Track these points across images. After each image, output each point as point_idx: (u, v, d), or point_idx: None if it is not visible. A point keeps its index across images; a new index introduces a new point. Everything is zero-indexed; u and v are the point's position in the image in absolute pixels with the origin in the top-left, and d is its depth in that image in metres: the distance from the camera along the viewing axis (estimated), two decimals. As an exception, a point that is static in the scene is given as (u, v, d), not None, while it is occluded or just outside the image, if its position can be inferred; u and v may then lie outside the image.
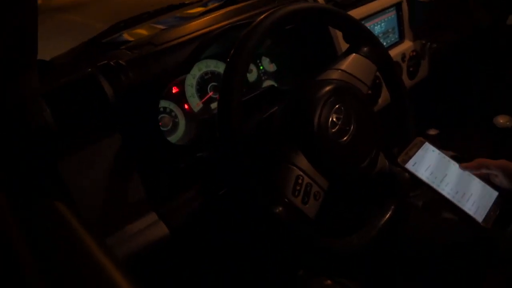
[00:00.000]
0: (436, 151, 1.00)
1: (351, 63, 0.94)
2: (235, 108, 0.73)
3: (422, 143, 0.99)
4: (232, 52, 0.77)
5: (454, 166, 0.98)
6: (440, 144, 1.44)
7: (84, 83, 0.84)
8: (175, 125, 1.06)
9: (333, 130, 0.83)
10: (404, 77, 1.50)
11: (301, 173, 0.80)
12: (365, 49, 0.96)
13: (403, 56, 1.48)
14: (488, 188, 0.96)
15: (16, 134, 0.76)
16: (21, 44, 0.77)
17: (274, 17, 0.81)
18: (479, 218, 0.91)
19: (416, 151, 0.97)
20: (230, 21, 1.06)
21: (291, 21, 0.86)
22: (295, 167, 0.80)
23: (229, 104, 0.74)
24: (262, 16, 0.81)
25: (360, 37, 0.97)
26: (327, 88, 0.86)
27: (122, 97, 0.85)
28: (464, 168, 0.98)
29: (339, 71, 0.93)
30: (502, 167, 0.95)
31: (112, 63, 0.86)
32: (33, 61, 0.75)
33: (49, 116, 0.79)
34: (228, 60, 0.77)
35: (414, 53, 1.52)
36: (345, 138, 0.85)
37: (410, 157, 0.95)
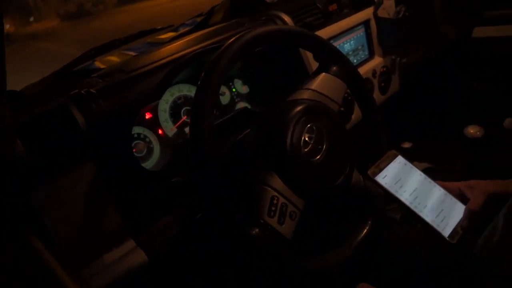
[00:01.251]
0: (408, 164, 1.01)
1: (321, 82, 0.96)
2: (207, 131, 0.74)
3: (394, 156, 1.01)
4: (202, 75, 0.78)
5: (421, 178, 1.00)
6: (414, 156, 1.47)
7: (55, 114, 0.84)
8: (150, 151, 1.06)
9: (306, 150, 0.84)
10: (376, 92, 1.53)
11: (275, 193, 0.80)
12: (334, 68, 0.98)
13: (374, 72, 1.51)
14: (458, 203, 0.98)
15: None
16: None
17: (243, 40, 0.82)
18: (445, 232, 0.92)
19: (388, 164, 0.98)
20: (201, 45, 1.07)
21: (260, 44, 0.87)
22: (269, 188, 0.80)
23: (201, 128, 0.74)
24: (231, 40, 0.83)
25: (328, 57, 0.99)
26: (298, 108, 0.87)
27: (94, 125, 0.85)
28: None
29: (310, 90, 0.94)
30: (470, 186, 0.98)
31: (83, 91, 0.87)
32: (3, 92, 0.74)
33: (20, 148, 0.78)
34: (199, 83, 0.77)
35: (385, 69, 1.55)
36: (318, 157, 0.86)
37: (381, 170, 0.96)
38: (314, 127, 0.87)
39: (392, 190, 0.94)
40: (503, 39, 1.85)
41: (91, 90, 0.88)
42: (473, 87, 1.87)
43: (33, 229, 0.68)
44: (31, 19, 14.71)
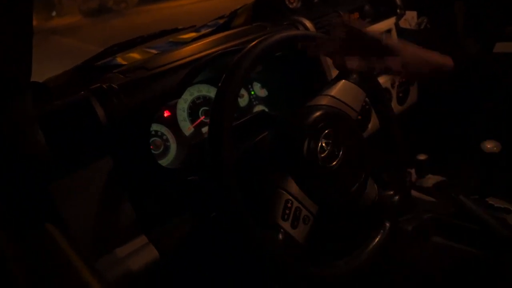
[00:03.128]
0: None
1: (341, 89, 0.96)
2: (226, 133, 0.74)
3: None
4: (223, 77, 0.79)
5: None
6: (429, 169, 1.46)
7: (77, 106, 0.85)
8: (166, 149, 1.07)
9: (322, 155, 0.85)
10: (394, 103, 1.53)
11: (290, 197, 0.81)
12: (355, 75, 0.98)
13: (393, 82, 1.51)
14: None
15: (9, 157, 0.76)
16: (15, 66, 0.78)
17: (265, 44, 0.83)
18: None
19: None
20: (222, 47, 1.08)
21: (281, 48, 0.88)
22: (284, 191, 0.81)
23: (220, 129, 0.75)
24: (253, 43, 0.83)
25: None
26: (317, 114, 0.88)
27: (114, 119, 0.86)
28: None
29: (329, 97, 0.94)
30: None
31: (105, 86, 0.88)
32: (27, 83, 0.76)
33: (42, 139, 0.80)
34: (220, 85, 0.78)
35: (404, 80, 1.55)
36: (334, 163, 0.86)
37: None
38: (331, 133, 0.87)
39: None
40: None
41: (113, 85, 0.89)
42: (491, 102, 1.86)
43: (52, 219, 0.69)
44: (54, 13, 14.89)
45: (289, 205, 0.80)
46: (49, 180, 0.81)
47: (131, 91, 0.90)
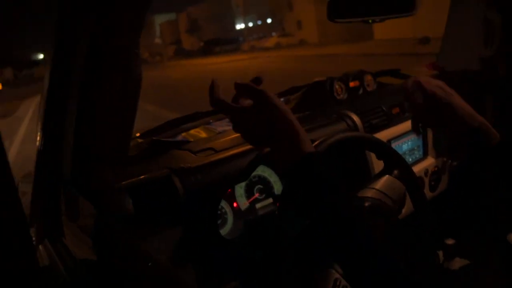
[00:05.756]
0: None
1: (384, 183, 1.10)
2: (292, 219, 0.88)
3: None
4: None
5: None
6: (457, 253, 1.56)
7: (161, 182, 1.00)
8: (224, 221, 1.20)
9: None
10: (426, 189, 1.65)
11: (339, 276, 0.93)
12: (396, 171, 1.12)
13: (426, 171, 1.63)
14: None
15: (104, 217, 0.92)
16: (116, 149, 0.95)
17: (326, 144, 0.98)
18: None
19: None
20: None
21: (338, 147, 1.03)
22: (334, 271, 0.93)
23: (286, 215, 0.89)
24: (316, 143, 0.98)
25: (392, 162, 1.13)
26: (365, 204, 1.01)
27: (190, 196, 1.01)
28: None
29: (374, 190, 1.08)
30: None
31: (184, 166, 1.03)
32: (125, 159, 0.92)
33: (130, 205, 0.95)
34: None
35: (436, 169, 1.68)
36: None
37: None
38: (375, 224, 1.00)
39: None
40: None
41: (190, 166, 1.04)
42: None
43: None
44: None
45: (338, 283, 0.93)
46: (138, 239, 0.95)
47: (206, 172, 1.05)
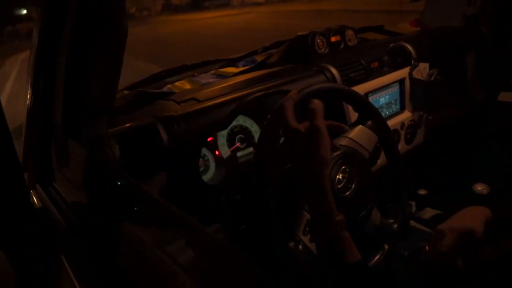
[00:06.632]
0: None
1: (358, 133, 1.17)
2: (268, 160, 0.95)
3: None
4: (269, 117, 0.99)
5: None
6: (428, 203, 1.65)
7: (146, 129, 1.06)
8: (207, 168, 1.27)
9: (339, 186, 1.05)
10: (402, 142, 1.72)
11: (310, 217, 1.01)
12: (370, 122, 1.19)
13: (402, 124, 1.70)
14: None
15: (91, 163, 0.98)
16: (104, 94, 1.01)
17: (302, 93, 1.04)
18: None
19: None
20: (262, 86, 1.29)
21: (314, 97, 1.08)
22: (306, 213, 1.01)
23: (264, 156, 0.96)
24: (292, 93, 1.04)
25: (366, 113, 1.19)
26: (337, 152, 1.08)
27: (174, 143, 1.07)
28: None
29: (348, 138, 1.15)
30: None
31: (168, 115, 1.09)
32: (111, 106, 0.98)
33: (117, 151, 1.01)
34: (266, 123, 0.99)
35: (412, 122, 1.75)
36: (347, 193, 1.06)
37: None
38: (347, 169, 1.07)
39: None
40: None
41: (174, 114, 1.10)
42: (489, 147, 2.05)
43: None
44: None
45: (309, 223, 1.01)
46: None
47: (189, 120, 1.11)
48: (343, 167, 1.07)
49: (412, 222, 1.60)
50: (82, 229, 0.96)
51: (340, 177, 1.06)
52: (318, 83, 1.31)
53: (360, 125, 1.18)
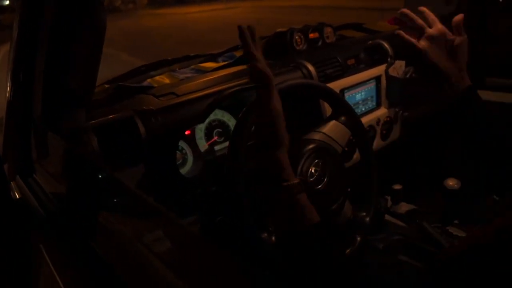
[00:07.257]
0: None
1: (331, 128, 1.20)
2: (243, 152, 0.98)
3: None
4: (244, 110, 1.03)
5: None
6: (403, 198, 1.70)
7: (124, 122, 1.09)
8: (184, 161, 1.30)
9: (311, 179, 1.08)
10: (377, 138, 1.76)
11: None
12: (343, 118, 1.22)
13: (378, 120, 1.74)
14: None
15: (70, 154, 1.00)
16: (83, 86, 1.03)
17: (277, 89, 1.07)
18: None
19: None
20: (240, 81, 1.32)
21: (290, 93, 1.12)
22: None
23: (239, 149, 0.99)
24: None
25: (340, 108, 1.23)
26: (311, 146, 1.12)
27: (151, 136, 1.10)
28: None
29: (321, 133, 1.18)
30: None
31: (146, 108, 1.11)
32: (90, 98, 1.00)
33: (96, 143, 1.03)
34: (240, 116, 1.02)
35: (388, 119, 1.79)
36: (320, 186, 1.10)
37: None
38: (320, 163, 1.11)
39: None
40: (499, 104, 2.08)
41: (152, 108, 1.13)
42: (462, 143, 2.10)
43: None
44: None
45: None
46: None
47: (166, 114, 1.14)
48: (316, 160, 1.11)
49: (387, 216, 1.64)
50: (61, 220, 0.98)
51: (312, 171, 1.10)
52: (294, 79, 1.35)
53: (334, 120, 1.22)
